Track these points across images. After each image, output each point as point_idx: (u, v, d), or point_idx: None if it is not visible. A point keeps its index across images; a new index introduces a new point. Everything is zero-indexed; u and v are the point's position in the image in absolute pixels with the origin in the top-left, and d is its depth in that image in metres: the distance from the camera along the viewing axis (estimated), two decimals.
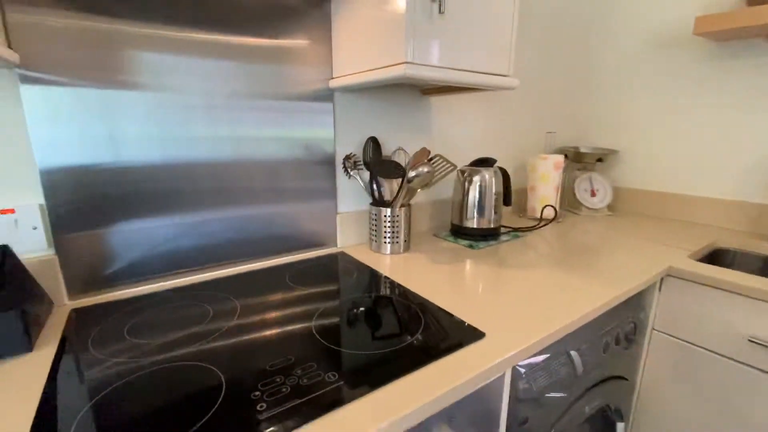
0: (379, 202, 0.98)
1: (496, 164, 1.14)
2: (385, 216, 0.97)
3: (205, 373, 0.51)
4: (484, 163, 1.12)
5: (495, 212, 1.12)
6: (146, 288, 0.78)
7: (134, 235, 0.76)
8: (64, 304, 0.71)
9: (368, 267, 0.90)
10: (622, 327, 0.85)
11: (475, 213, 1.11)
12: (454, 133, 1.25)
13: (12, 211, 0.65)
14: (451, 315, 0.67)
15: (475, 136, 1.31)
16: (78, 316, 0.67)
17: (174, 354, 0.55)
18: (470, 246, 1.06)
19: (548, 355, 0.69)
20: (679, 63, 1.31)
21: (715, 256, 1.13)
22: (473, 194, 1.10)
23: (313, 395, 0.46)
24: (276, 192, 0.92)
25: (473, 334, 0.60)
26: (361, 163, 1.02)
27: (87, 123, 0.68)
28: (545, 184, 1.33)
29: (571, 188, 1.48)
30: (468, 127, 1.28)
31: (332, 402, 0.45)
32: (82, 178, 0.70)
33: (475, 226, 1.11)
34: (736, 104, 1.21)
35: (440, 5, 0.70)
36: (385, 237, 0.99)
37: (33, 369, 0.52)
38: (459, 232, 1.13)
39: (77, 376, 0.50)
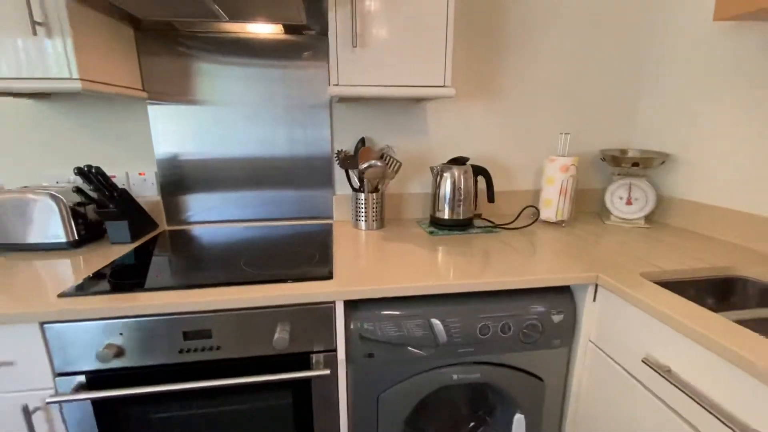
0: (355, 189, 1.26)
1: (471, 163, 1.24)
2: (358, 199, 1.25)
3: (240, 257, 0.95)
4: (457, 161, 1.24)
5: (463, 206, 1.23)
6: (204, 226, 1.31)
7: (199, 198, 1.29)
8: (165, 229, 1.30)
9: (343, 235, 1.21)
10: (514, 323, 0.90)
11: (446, 206, 1.25)
12: (457, 134, 1.38)
13: (143, 174, 1.26)
14: (330, 264, 0.93)
15: (484, 137, 1.40)
16: (169, 234, 1.23)
17: (207, 261, 1.02)
18: (431, 233, 1.22)
19: (400, 313, 0.87)
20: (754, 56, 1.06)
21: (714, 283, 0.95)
22: (443, 189, 1.24)
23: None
24: (290, 177, 1.32)
25: (325, 276, 0.86)
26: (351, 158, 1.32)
27: (180, 127, 1.23)
28: (550, 186, 1.31)
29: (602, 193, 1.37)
30: (474, 128, 1.39)
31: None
32: (175, 160, 1.25)
33: (446, 217, 1.26)
34: None
35: (353, 41, 0.95)
36: (359, 216, 1.26)
37: (127, 248, 1.07)
38: (433, 221, 1.29)
39: (147, 253, 1.02)
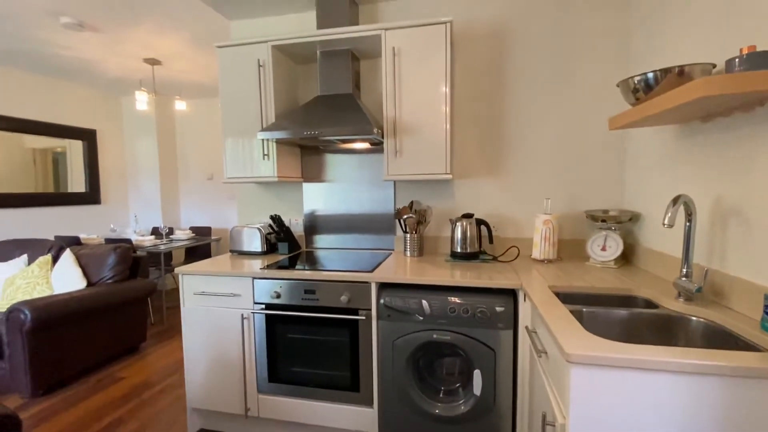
0: (404, 231, 2.09)
1: (475, 217, 1.94)
2: (405, 238, 2.07)
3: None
4: (466, 216, 1.96)
5: (470, 244, 1.92)
6: (322, 250, 2.31)
7: (321, 235, 2.32)
8: (304, 249, 2.35)
9: (394, 257, 2.04)
10: (470, 309, 1.55)
11: (459, 244, 1.96)
12: (473, 198, 2.11)
13: (297, 220, 2.36)
14: (371, 271, 1.76)
15: (494, 200, 2.08)
16: (305, 251, 2.27)
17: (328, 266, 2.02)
18: (446, 260, 1.94)
19: (405, 294, 1.63)
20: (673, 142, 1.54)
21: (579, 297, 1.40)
22: (456, 233, 1.96)
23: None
24: (370, 224, 2.25)
25: (369, 271, 1.70)
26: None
27: (316, 195, 2.31)
28: (537, 234, 1.89)
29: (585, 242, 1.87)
30: (486, 194, 2.09)
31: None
32: (312, 214, 2.33)
33: (458, 251, 1.96)
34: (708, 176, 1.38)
35: (396, 153, 1.85)
36: (405, 248, 2.08)
37: (286, 256, 2.12)
38: (452, 254, 2.00)
39: (294, 258, 2.06)
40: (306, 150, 2.32)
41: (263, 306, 1.79)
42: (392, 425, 1.67)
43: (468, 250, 1.94)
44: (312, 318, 1.73)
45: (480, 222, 1.96)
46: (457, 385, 1.66)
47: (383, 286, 1.68)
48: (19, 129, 3.64)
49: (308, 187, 2.33)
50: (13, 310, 2.17)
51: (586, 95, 1.94)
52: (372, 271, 1.71)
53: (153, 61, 3.44)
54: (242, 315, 1.80)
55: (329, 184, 2.30)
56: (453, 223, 1.99)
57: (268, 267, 1.83)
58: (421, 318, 1.61)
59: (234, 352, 1.83)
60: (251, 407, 1.84)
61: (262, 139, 1.98)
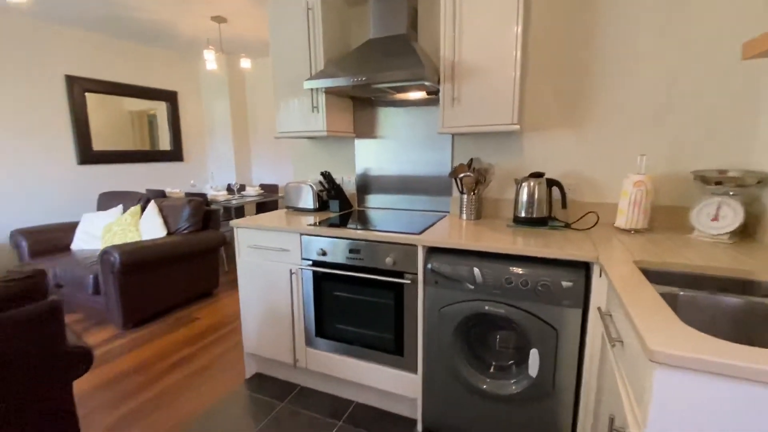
0: (460, 192, 1.89)
1: (546, 177, 1.66)
2: (461, 199, 1.87)
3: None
4: (536, 175, 1.68)
5: (537, 208, 1.67)
6: (374, 209, 2.21)
7: (373, 194, 2.21)
8: (356, 208, 2.27)
9: (448, 220, 1.87)
10: (530, 281, 1.34)
11: (523, 207, 1.71)
12: (546, 154, 1.81)
13: (350, 178, 2.27)
14: (419, 234, 1.61)
15: (572, 157, 1.76)
16: (357, 210, 2.19)
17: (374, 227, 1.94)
18: (507, 226, 1.71)
19: (455, 260, 1.47)
20: None
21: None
22: (521, 195, 1.71)
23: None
24: (425, 184, 2.07)
25: (417, 233, 1.56)
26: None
27: (368, 153, 2.19)
28: (623, 198, 1.56)
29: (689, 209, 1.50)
30: (563, 150, 1.78)
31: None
32: (364, 172, 2.21)
33: (523, 215, 1.71)
34: None
35: (453, 101, 1.62)
36: (462, 210, 1.88)
37: (336, 214, 2.06)
38: (514, 219, 1.76)
39: (345, 216, 1.99)
40: (358, 103, 2.17)
41: (310, 262, 1.76)
42: (436, 395, 1.59)
43: (534, 215, 1.68)
44: (357, 278, 1.67)
45: (552, 182, 1.68)
46: (511, 362, 1.49)
47: (432, 251, 1.54)
48: (116, 92, 4.02)
49: (360, 144, 2.21)
50: (105, 253, 2.46)
51: (706, 16, 1.48)
52: (420, 233, 1.57)
53: (220, 19, 3.48)
54: (291, 270, 1.80)
55: (382, 140, 2.15)
56: (518, 183, 1.73)
57: (317, 224, 1.78)
58: (472, 287, 1.45)
59: (284, 305, 1.86)
60: (300, 359, 1.89)
61: (311, 90, 1.88)
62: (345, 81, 1.65)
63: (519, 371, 1.45)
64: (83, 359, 1.34)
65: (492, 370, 1.51)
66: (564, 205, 1.67)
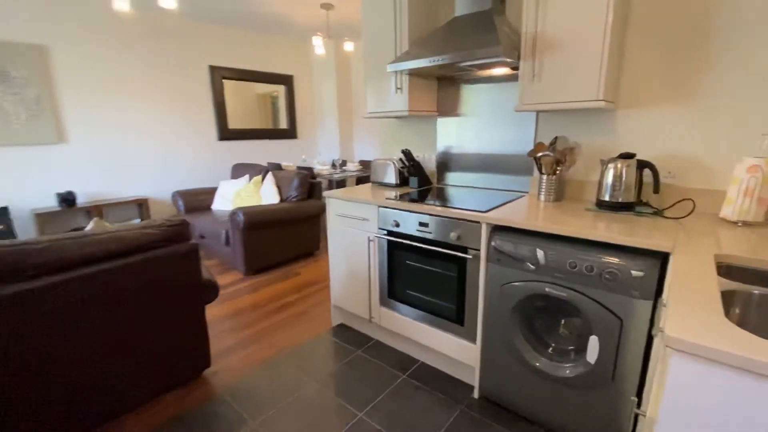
0: (540, 171, 1.83)
1: (637, 158, 1.51)
2: (540, 180, 1.82)
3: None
4: (625, 156, 1.54)
5: (624, 192, 1.54)
6: (453, 187, 2.28)
7: (453, 172, 2.27)
8: (434, 185, 2.37)
9: (524, 200, 1.85)
10: (596, 267, 1.29)
11: (607, 190, 1.59)
12: (644, 134, 1.63)
13: (431, 155, 2.37)
14: (485, 212, 1.64)
15: (675, 137, 1.56)
16: (436, 187, 2.29)
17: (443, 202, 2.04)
18: (587, 209, 1.62)
19: (517, 239, 1.48)
20: None
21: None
22: (606, 177, 1.59)
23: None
24: (505, 163, 2.05)
25: (483, 212, 1.60)
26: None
27: (449, 131, 2.24)
28: (733, 185, 1.35)
29: None
30: (665, 129, 1.58)
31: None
32: (444, 150, 2.28)
33: (606, 200, 1.60)
34: None
35: (534, 77, 1.57)
36: (540, 191, 1.83)
37: (415, 189, 2.20)
38: (597, 203, 1.65)
39: (424, 192, 2.12)
40: (443, 81, 2.22)
41: (385, 232, 1.95)
42: (493, 366, 1.66)
43: (619, 199, 1.56)
44: (424, 249, 1.80)
45: (643, 164, 1.52)
46: (571, 347, 1.47)
47: (496, 229, 1.57)
48: (247, 78, 4.73)
49: (442, 122, 2.27)
50: (234, 213, 3.05)
51: None
52: (486, 211, 1.61)
53: (327, 6, 3.78)
54: (369, 237, 2.02)
55: (463, 118, 2.17)
56: (603, 164, 1.61)
57: (392, 198, 1.95)
58: (533, 267, 1.45)
59: (362, 268, 2.10)
60: (374, 315, 2.13)
61: (395, 72, 2.00)
62: (422, 62, 1.73)
63: (577, 356, 1.43)
64: (212, 290, 1.78)
65: (550, 351, 1.51)
66: (656, 189, 1.51)
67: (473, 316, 1.70)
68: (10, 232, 3.07)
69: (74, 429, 1.43)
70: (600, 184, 1.63)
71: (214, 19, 4.15)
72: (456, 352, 1.80)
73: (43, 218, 3.33)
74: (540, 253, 1.43)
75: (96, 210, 3.55)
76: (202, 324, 1.78)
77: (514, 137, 2.00)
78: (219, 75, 4.44)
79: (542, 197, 1.82)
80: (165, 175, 4.19)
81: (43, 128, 3.32)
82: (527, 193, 2.00)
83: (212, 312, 2.61)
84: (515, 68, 1.85)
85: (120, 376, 1.53)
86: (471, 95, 2.12)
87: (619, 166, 1.55)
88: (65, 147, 3.48)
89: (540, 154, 1.74)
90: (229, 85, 4.58)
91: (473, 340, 1.73)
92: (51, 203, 3.46)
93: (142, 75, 3.88)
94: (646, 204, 1.61)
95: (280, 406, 1.71)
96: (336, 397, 1.77)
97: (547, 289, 1.43)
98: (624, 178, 1.54)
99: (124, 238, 1.44)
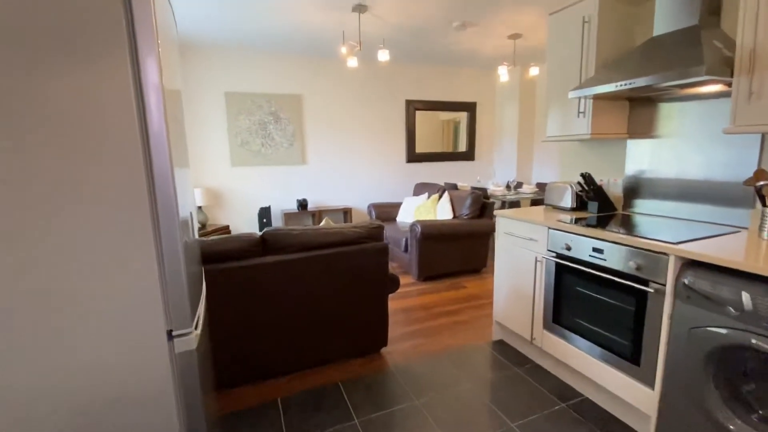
0: (763, 204, 1.51)
1: None
2: (764, 212, 1.51)
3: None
4: None
5: None
6: (641, 215, 2.07)
7: (645, 201, 2.07)
8: (619, 212, 2.20)
9: (738, 237, 1.58)
10: None
11: None
12: None
13: (616, 180, 2.22)
14: (676, 243, 1.48)
15: None
16: (621, 214, 2.15)
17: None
18: None
19: (716, 278, 1.31)
20: None
21: None
22: None
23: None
24: (713, 191, 1.77)
25: (667, 246, 1.46)
26: None
27: (642, 153, 2.07)
28: None
29: None
30: None
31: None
32: (635, 174, 2.11)
33: None
34: None
35: (750, 95, 1.36)
36: (763, 226, 1.52)
37: (594, 215, 2.12)
38: None
39: (604, 219, 2.05)
40: (635, 102, 2.08)
41: (554, 254, 1.97)
42: (674, 420, 1.46)
43: None
44: (597, 276, 1.74)
45: None
46: None
47: (691, 264, 1.41)
48: (435, 108, 5.36)
49: (633, 144, 2.11)
50: (413, 225, 3.54)
51: None
52: (677, 243, 1.46)
53: (515, 36, 3.95)
54: (536, 258, 2.08)
55: (660, 140, 1.98)
56: None
57: (568, 222, 1.96)
58: (736, 313, 1.25)
59: (527, 288, 2.16)
60: (536, 337, 2.14)
61: (577, 98, 2.03)
62: (606, 88, 1.72)
63: None
64: (395, 283, 2.20)
65: (755, 417, 1.25)
66: None
67: (652, 357, 1.55)
68: (269, 224, 4.44)
69: (298, 365, 2.06)
70: None
71: (412, 59, 4.91)
72: (628, 395, 1.66)
73: (287, 216, 4.65)
74: (746, 298, 1.22)
75: (318, 214, 4.71)
76: (384, 309, 2.22)
77: (728, 161, 1.71)
78: (413, 107, 5.19)
79: (765, 235, 1.50)
80: (364, 190, 5.16)
81: (295, 154, 4.68)
82: (745, 228, 1.67)
83: (392, 305, 3.11)
84: (729, 84, 1.61)
85: (327, 336, 2.10)
86: (671, 114, 1.92)
87: None
88: (305, 167, 4.78)
89: (761, 183, 1.45)
90: (419, 115, 5.27)
91: (650, 384, 1.56)
92: (292, 206, 4.80)
93: (357, 111, 4.94)
94: None
95: (438, 394, 1.96)
96: (489, 402, 1.90)
97: (753, 341, 1.21)
98: None
99: (343, 233, 2.00)
